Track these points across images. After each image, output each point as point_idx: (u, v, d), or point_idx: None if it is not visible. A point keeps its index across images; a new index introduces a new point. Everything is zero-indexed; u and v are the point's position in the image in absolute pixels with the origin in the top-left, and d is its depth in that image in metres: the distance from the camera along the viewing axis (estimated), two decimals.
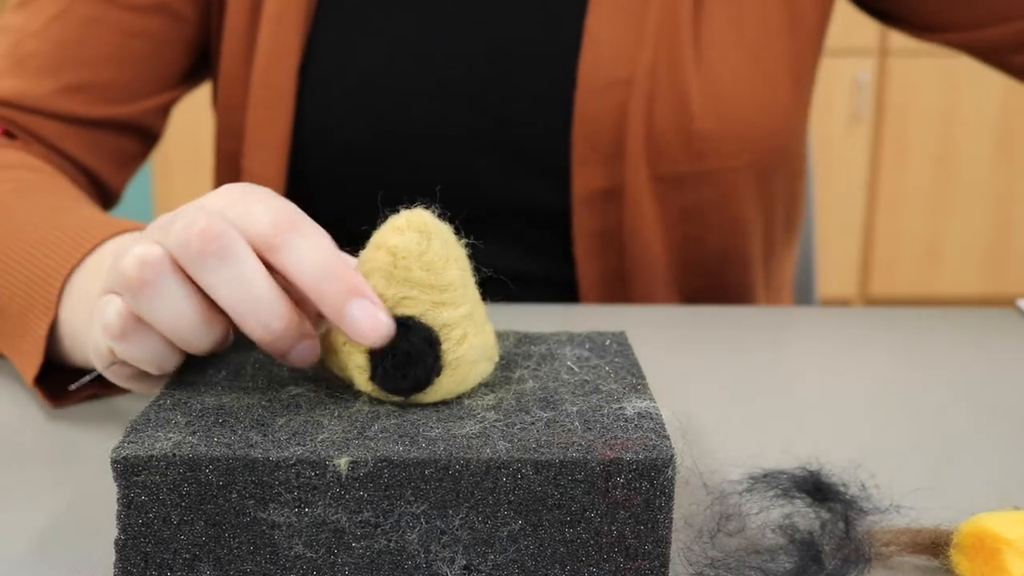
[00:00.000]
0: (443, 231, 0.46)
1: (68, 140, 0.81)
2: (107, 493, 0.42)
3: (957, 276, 2.74)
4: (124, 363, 0.50)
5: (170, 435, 0.42)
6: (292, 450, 0.41)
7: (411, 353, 0.44)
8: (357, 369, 0.45)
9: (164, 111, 0.87)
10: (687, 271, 0.86)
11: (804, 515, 0.47)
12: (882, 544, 0.45)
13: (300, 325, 0.46)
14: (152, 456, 0.41)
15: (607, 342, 0.53)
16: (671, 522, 0.42)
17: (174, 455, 0.41)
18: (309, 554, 0.41)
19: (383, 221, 0.46)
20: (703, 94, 0.80)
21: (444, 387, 0.45)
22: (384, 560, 0.42)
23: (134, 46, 0.82)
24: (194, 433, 0.42)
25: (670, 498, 0.42)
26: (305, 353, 0.47)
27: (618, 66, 0.79)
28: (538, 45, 0.82)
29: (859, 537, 0.44)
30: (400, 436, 0.42)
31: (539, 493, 0.41)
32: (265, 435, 0.42)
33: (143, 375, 0.51)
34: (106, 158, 0.83)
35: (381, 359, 0.44)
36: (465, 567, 0.42)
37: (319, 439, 0.42)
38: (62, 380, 0.61)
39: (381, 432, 0.43)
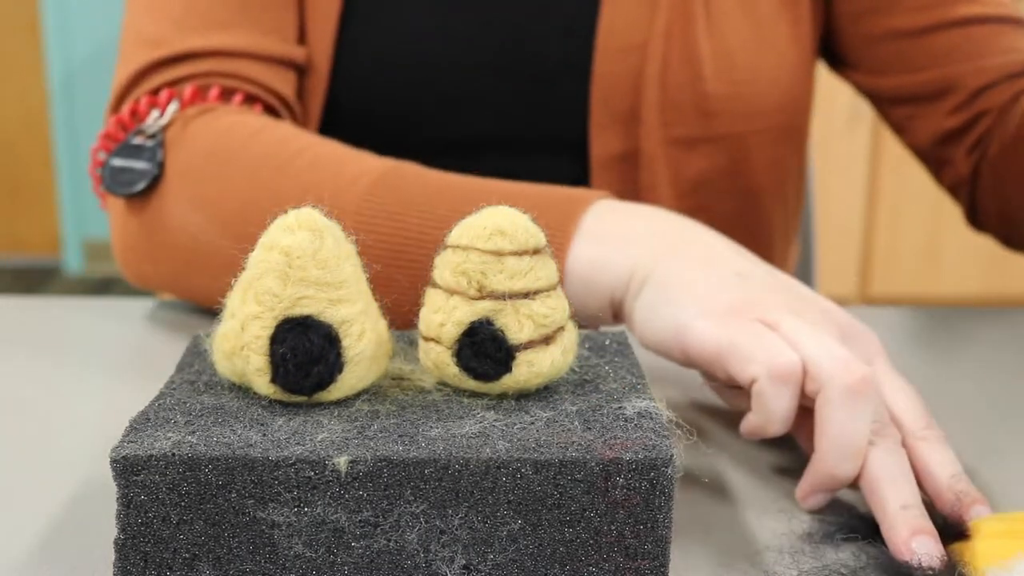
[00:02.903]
0: (334, 228, 0.46)
1: (279, 81, 0.80)
2: (107, 493, 0.42)
3: (957, 276, 2.74)
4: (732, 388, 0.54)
5: (169, 435, 0.42)
6: (291, 449, 0.41)
7: (312, 352, 0.44)
8: (256, 372, 0.45)
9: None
10: None
11: None
12: None
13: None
14: (151, 456, 0.41)
15: (607, 341, 0.53)
16: (671, 522, 0.42)
17: (173, 455, 0.41)
18: (308, 553, 0.41)
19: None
20: (714, 58, 0.82)
21: (346, 384, 0.45)
22: (383, 560, 0.42)
23: None
24: (193, 433, 0.42)
25: (670, 498, 0.42)
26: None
27: (634, 31, 0.81)
28: (558, 11, 0.83)
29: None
30: (399, 436, 0.42)
31: (538, 493, 0.41)
32: (264, 435, 0.42)
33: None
34: (298, 102, 0.83)
35: (282, 360, 0.44)
36: (464, 567, 0.42)
37: (318, 439, 0.42)
38: None
39: (380, 432, 0.43)
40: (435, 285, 0.47)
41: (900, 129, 0.87)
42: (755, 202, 0.87)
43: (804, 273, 1.12)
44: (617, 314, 0.59)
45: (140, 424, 0.43)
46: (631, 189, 0.84)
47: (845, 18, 0.86)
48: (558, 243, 0.59)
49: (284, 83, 0.80)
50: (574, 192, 0.63)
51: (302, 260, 0.44)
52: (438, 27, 0.84)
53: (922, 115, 0.85)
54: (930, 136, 0.84)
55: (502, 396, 0.46)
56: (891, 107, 0.87)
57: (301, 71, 0.83)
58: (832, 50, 0.90)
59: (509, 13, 0.84)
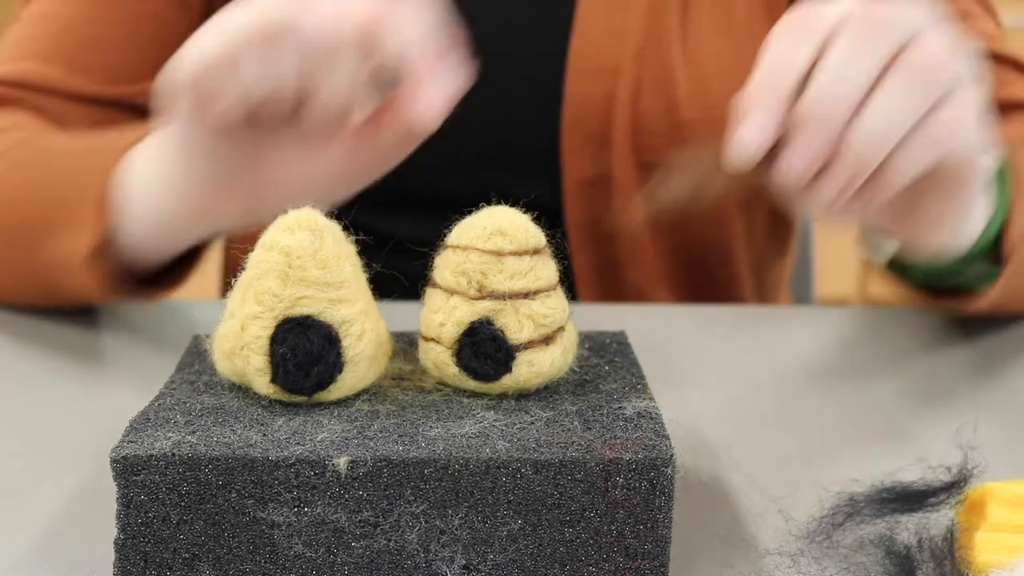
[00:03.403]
0: (334, 228, 0.46)
1: (77, 119, 0.80)
2: (107, 493, 0.42)
3: None
4: (222, 77, 0.51)
5: (169, 435, 0.42)
6: (291, 450, 0.41)
7: (312, 352, 0.44)
8: (256, 372, 0.45)
9: None
10: (674, 262, 0.86)
11: (904, 527, 0.47)
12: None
13: None
14: (151, 456, 0.41)
15: (607, 342, 0.53)
16: (671, 522, 0.42)
17: (173, 455, 0.41)
18: (309, 553, 0.41)
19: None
20: (689, 83, 0.81)
21: (346, 384, 0.45)
22: (384, 560, 0.42)
23: (140, 27, 0.82)
24: (193, 433, 0.42)
25: (670, 498, 0.42)
26: None
27: (605, 54, 0.80)
28: (529, 32, 0.82)
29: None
30: (399, 436, 0.42)
31: (538, 493, 0.41)
32: (264, 435, 0.42)
33: (202, 117, 0.53)
34: None
35: (282, 360, 0.44)
36: (464, 567, 0.42)
37: (318, 439, 0.42)
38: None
39: (380, 432, 0.43)
40: (435, 285, 0.47)
41: None
42: (732, 225, 0.85)
43: (803, 273, 1.12)
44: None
45: (140, 424, 0.43)
46: (605, 213, 0.82)
47: None
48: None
49: (80, 119, 0.80)
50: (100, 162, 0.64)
51: (302, 260, 0.44)
52: None
53: None
54: None
55: (502, 396, 0.46)
56: None
57: (128, 108, 0.82)
58: None
59: (479, 35, 0.83)
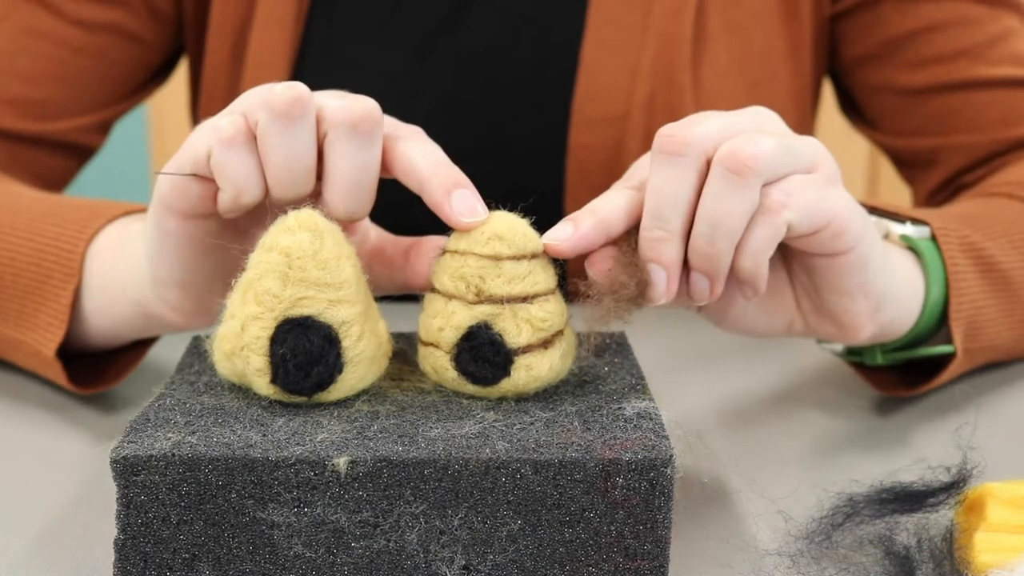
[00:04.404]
0: (334, 229, 0.46)
1: None
2: (107, 493, 0.42)
3: None
4: (199, 181, 0.49)
5: (169, 435, 0.42)
6: (291, 450, 0.41)
7: (312, 352, 0.44)
8: (256, 373, 0.45)
9: (103, 128, 0.83)
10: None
11: (904, 527, 0.47)
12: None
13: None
14: (151, 456, 0.41)
15: (606, 342, 0.53)
16: (671, 522, 0.42)
17: (173, 455, 0.41)
18: (308, 554, 0.41)
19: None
20: None
21: (345, 385, 0.45)
22: (383, 560, 0.42)
23: (77, 63, 0.78)
24: (193, 433, 0.42)
25: (669, 498, 0.42)
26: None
27: (613, 102, 0.78)
28: (533, 77, 0.80)
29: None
30: (399, 436, 0.42)
31: (538, 493, 0.41)
32: (264, 435, 0.42)
33: (195, 214, 0.50)
34: (31, 176, 0.78)
35: (282, 360, 0.44)
36: (464, 567, 0.42)
37: (318, 439, 0.42)
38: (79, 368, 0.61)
39: (380, 432, 0.43)
40: (433, 290, 0.47)
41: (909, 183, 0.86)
42: None
43: None
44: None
45: (140, 424, 0.43)
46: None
47: (851, 63, 0.83)
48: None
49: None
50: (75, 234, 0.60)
51: (302, 261, 0.44)
52: (402, 93, 0.80)
53: (913, 180, 0.84)
54: (921, 203, 0.83)
55: (501, 398, 0.46)
56: (895, 164, 0.86)
57: (51, 145, 0.79)
58: (846, 97, 0.87)
59: (480, 77, 0.80)
